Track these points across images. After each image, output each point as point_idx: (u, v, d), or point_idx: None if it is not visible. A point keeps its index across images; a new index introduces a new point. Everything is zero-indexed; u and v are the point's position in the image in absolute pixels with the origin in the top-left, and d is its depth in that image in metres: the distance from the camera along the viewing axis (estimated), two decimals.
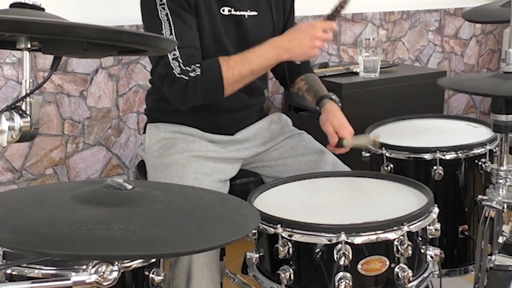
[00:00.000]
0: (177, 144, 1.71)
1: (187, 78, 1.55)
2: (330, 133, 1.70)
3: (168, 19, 1.57)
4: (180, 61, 1.56)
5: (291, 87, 1.92)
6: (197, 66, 1.56)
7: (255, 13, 1.71)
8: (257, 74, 1.64)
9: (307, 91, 1.85)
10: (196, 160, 1.66)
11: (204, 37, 1.63)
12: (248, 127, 1.81)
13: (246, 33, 1.70)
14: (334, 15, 1.65)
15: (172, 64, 1.56)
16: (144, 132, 1.82)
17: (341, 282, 1.24)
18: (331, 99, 1.79)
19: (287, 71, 1.85)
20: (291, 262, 1.31)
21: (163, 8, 1.58)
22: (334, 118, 1.73)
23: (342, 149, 1.72)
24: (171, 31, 1.57)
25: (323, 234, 1.26)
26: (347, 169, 1.78)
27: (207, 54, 1.62)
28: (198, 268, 1.50)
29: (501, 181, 1.57)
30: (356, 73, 2.65)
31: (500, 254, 1.51)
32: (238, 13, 1.68)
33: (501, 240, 1.55)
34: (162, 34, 1.57)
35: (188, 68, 1.56)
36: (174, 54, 1.56)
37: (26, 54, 0.92)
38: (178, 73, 1.56)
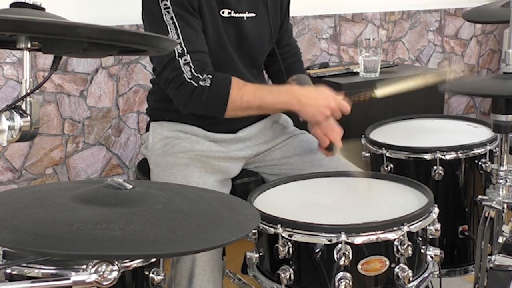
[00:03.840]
0: (180, 143, 1.71)
1: (196, 85, 1.55)
2: (319, 137, 1.71)
3: (173, 23, 1.57)
4: (192, 66, 1.56)
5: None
6: (209, 77, 1.56)
7: (253, 14, 1.72)
8: (264, 111, 1.66)
9: None
10: (200, 160, 1.67)
11: (208, 39, 1.63)
12: (251, 126, 1.81)
13: (245, 35, 1.70)
14: (356, 99, 1.69)
15: (183, 69, 1.55)
16: (147, 131, 1.81)
17: (341, 282, 1.24)
18: None
19: (277, 71, 1.86)
20: (291, 262, 1.31)
21: (168, 12, 1.57)
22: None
23: (330, 153, 1.72)
24: (178, 35, 1.57)
25: (323, 234, 1.26)
26: (351, 166, 1.77)
27: (210, 56, 1.63)
28: (201, 266, 1.50)
29: (501, 181, 1.57)
30: (356, 73, 2.65)
31: (500, 254, 1.51)
32: (237, 15, 1.69)
33: (501, 240, 1.55)
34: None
35: (200, 76, 1.56)
36: (185, 60, 1.56)
37: (26, 54, 0.92)
38: (188, 78, 1.55)
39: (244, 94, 1.57)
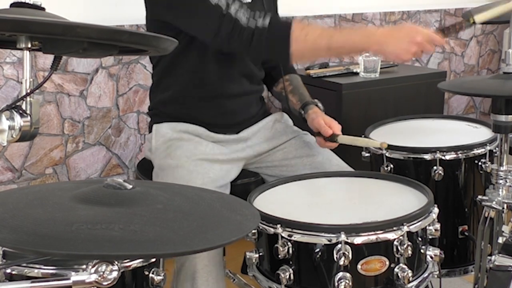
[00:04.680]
0: (183, 145, 1.70)
1: (253, 27, 1.48)
2: (323, 126, 1.70)
3: None
4: (243, 10, 1.50)
5: (275, 86, 1.92)
6: (268, 16, 1.49)
7: (248, 0, 1.70)
8: (334, 53, 1.56)
9: (292, 92, 1.85)
10: (202, 164, 1.65)
11: None
12: (252, 126, 1.80)
13: None
14: (449, 30, 1.53)
15: (236, 16, 1.49)
16: (150, 132, 1.80)
17: (341, 282, 1.24)
18: (317, 106, 1.79)
19: (270, 69, 1.85)
20: (291, 262, 1.31)
21: None
22: (324, 115, 1.74)
23: (333, 144, 1.72)
24: None
25: (323, 234, 1.26)
26: (352, 170, 1.77)
27: None
28: (204, 265, 1.50)
29: (501, 181, 1.57)
30: (356, 73, 2.66)
31: (500, 255, 1.51)
32: None
33: (501, 240, 1.55)
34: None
35: (255, 15, 1.49)
36: (235, 8, 1.50)
37: (26, 54, 0.92)
38: (245, 23, 1.48)
39: (308, 32, 1.49)
